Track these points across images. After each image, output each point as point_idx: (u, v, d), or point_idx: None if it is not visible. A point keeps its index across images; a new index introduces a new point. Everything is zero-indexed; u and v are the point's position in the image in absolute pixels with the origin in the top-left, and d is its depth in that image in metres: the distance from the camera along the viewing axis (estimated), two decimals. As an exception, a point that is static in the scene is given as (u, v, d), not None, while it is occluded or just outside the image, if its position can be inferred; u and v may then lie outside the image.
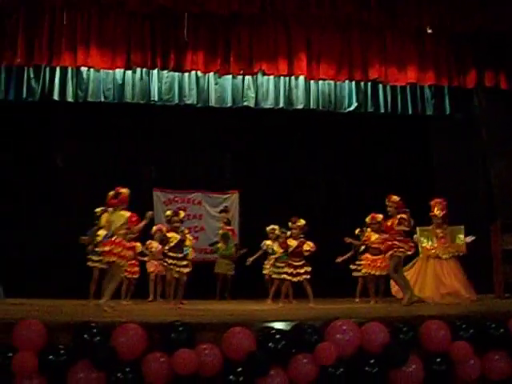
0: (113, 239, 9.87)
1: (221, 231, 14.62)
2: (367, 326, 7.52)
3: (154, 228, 12.75)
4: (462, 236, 12.19)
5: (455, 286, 11.69)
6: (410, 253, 11.26)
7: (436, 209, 12.18)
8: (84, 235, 11.69)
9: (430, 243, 12.15)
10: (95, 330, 6.92)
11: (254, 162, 15.16)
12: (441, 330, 7.66)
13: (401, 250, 10.98)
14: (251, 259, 13.36)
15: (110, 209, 10.39)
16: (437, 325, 7.71)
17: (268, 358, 7.03)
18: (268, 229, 13.03)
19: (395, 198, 11.35)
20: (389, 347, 7.35)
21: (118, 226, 9.98)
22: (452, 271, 11.88)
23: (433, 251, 12.04)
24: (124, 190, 10.33)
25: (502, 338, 7.74)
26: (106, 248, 9.87)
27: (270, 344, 7.10)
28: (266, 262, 13.32)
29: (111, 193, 10.47)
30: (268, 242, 13.09)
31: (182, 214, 11.96)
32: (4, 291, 11.76)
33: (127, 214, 10.11)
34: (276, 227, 12.88)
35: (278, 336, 7.18)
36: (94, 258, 11.49)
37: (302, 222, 12.01)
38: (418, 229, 12.19)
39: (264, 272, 13.31)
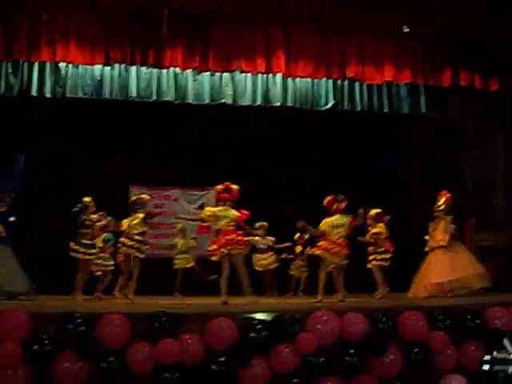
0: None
1: (179, 226, 14.53)
2: (347, 316, 7.65)
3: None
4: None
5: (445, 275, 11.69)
6: None
7: (438, 200, 12.27)
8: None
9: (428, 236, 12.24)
10: (79, 320, 6.98)
11: (231, 159, 15.18)
12: (419, 320, 7.84)
13: None
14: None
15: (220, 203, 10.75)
16: (415, 315, 7.88)
17: (250, 347, 7.14)
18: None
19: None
20: (368, 337, 7.48)
21: (227, 222, 10.46)
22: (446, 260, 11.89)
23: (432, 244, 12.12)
24: (235, 186, 10.70)
25: (477, 329, 7.92)
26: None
27: (251, 334, 7.22)
28: None
29: (220, 187, 10.77)
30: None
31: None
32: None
33: (237, 212, 10.60)
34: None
35: (259, 326, 7.29)
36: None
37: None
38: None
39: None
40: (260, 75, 13.27)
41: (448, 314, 8.06)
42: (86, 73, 12.92)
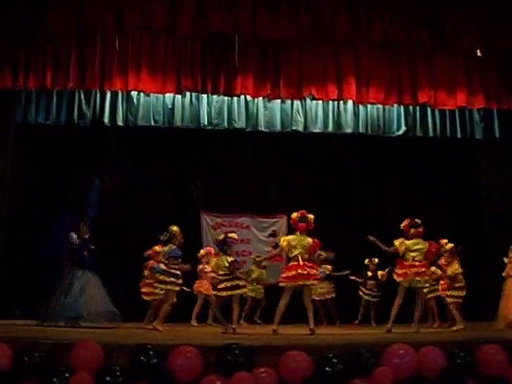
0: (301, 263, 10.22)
1: (253, 255, 14.51)
2: (424, 350, 7.45)
3: (203, 251, 12.86)
4: None
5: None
6: None
7: None
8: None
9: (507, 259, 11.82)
10: (152, 352, 6.93)
11: (302, 186, 15.10)
12: (498, 354, 7.57)
13: None
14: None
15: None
16: (494, 349, 7.62)
17: (325, 382, 7.00)
18: None
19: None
20: (446, 372, 7.27)
21: (304, 250, 10.29)
22: None
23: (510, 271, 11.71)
24: (311, 216, 10.49)
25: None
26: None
27: (326, 368, 7.06)
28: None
29: (295, 215, 10.54)
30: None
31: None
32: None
33: (311, 240, 10.43)
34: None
35: (334, 360, 7.13)
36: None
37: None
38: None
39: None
40: (331, 102, 13.20)
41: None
42: (158, 101, 13.07)
